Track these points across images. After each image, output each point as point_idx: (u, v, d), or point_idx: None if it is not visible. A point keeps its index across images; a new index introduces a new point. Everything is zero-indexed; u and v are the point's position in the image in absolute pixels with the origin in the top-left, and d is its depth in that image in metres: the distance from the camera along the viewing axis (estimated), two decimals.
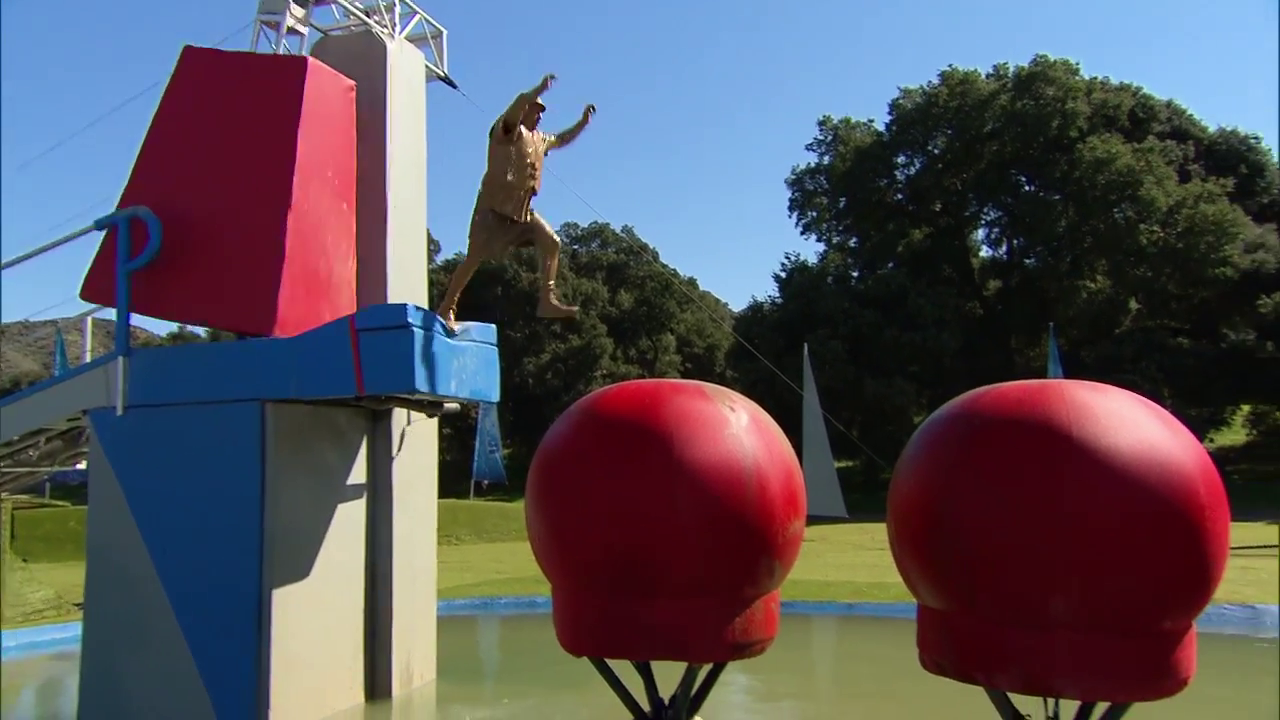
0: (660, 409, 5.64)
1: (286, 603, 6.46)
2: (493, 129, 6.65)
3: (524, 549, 6.96)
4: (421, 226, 8.66)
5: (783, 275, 40.43)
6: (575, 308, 7.85)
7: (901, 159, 40.82)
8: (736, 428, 5.57)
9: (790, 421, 23.69)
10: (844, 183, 40.74)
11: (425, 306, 7.24)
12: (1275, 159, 41.76)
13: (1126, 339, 34.32)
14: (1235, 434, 36.71)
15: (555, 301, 7.10)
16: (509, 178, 6.59)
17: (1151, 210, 34.23)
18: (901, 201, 41.19)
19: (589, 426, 5.87)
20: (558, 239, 7.18)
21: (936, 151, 39.67)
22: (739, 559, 5.44)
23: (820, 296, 36.17)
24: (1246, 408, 36.07)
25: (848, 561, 15.70)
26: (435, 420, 8.19)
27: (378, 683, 7.36)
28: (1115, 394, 4.93)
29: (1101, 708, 4.99)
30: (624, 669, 6.08)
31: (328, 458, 7.12)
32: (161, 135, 7.23)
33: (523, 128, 6.70)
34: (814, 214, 42.51)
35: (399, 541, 7.56)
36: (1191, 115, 41.96)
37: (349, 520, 7.23)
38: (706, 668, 5.97)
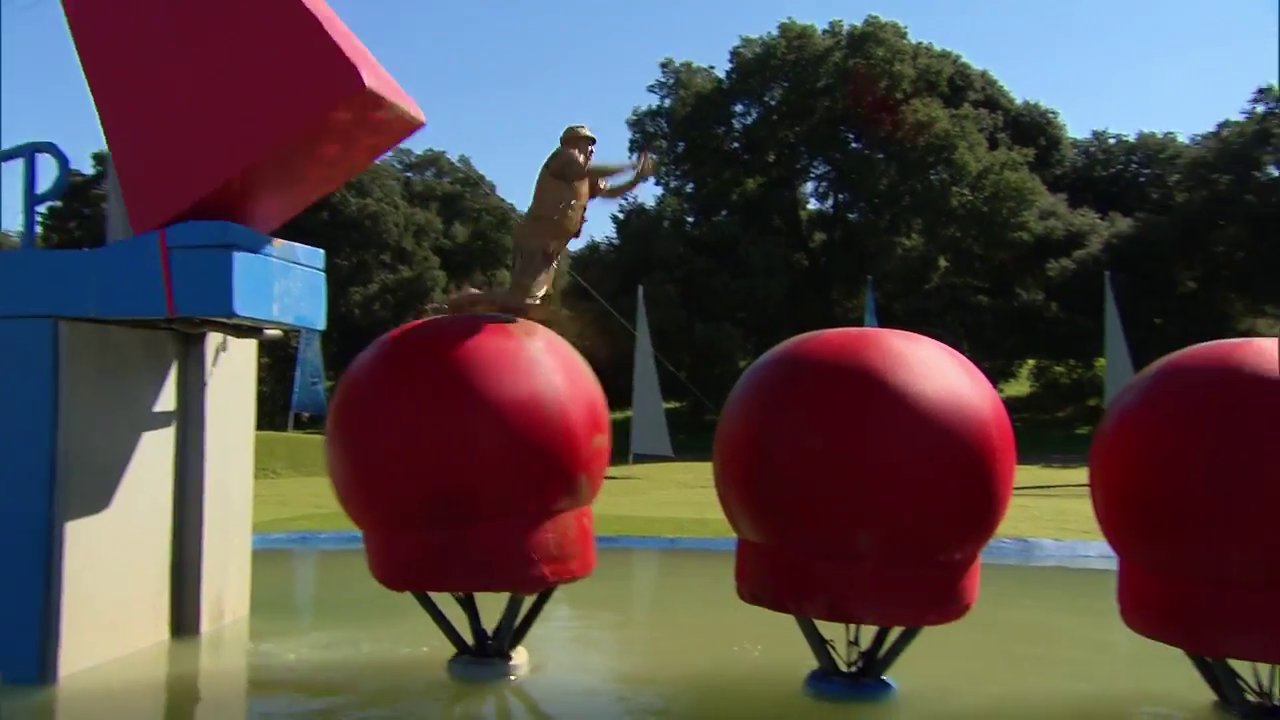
0: (465, 342, 5.65)
1: (81, 536, 6.02)
2: (551, 166, 6.06)
3: None
4: None
5: (620, 217, 40.68)
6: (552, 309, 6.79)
7: (739, 107, 41.57)
8: (538, 357, 5.69)
9: (622, 362, 24.11)
10: (684, 127, 41.15)
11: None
12: (1069, 134, 45.69)
13: (935, 294, 36.80)
14: (1021, 385, 40.33)
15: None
16: (555, 218, 6.10)
17: (963, 174, 36.59)
18: (738, 150, 42.05)
19: (396, 361, 5.81)
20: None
21: (773, 103, 40.63)
22: (547, 476, 5.58)
23: (656, 240, 36.64)
24: (1032, 362, 39.69)
25: (671, 499, 16.21)
26: (254, 346, 7.77)
27: (185, 619, 7.01)
28: (926, 344, 5.30)
29: (896, 632, 5.45)
30: (448, 603, 6.08)
31: (133, 382, 6.61)
32: (98, 47, 6.13)
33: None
34: (653, 156, 42.73)
35: (211, 472, 7.17)
36: (1002, 86, 44.92)
37: (156, 449, 6.78)
38: (530, 600, 6.07)
